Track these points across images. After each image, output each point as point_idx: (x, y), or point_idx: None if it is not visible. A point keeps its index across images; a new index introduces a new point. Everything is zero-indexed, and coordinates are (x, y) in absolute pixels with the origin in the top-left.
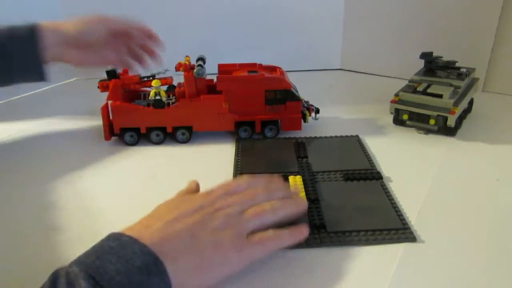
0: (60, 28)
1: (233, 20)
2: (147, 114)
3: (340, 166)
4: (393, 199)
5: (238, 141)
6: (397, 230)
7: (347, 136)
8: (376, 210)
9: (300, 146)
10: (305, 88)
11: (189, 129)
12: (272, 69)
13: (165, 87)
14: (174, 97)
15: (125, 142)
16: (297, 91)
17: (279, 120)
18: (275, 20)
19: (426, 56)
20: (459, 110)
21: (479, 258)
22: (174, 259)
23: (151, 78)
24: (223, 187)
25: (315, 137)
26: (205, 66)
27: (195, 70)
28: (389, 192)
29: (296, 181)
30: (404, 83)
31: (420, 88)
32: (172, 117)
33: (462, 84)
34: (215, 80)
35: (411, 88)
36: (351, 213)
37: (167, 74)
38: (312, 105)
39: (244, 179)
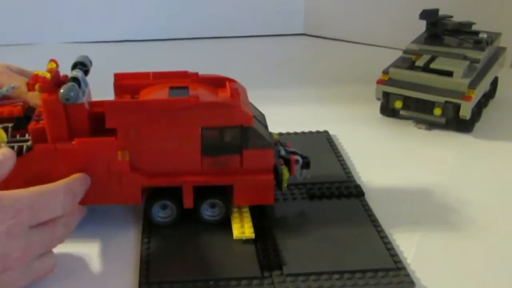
0: None
1: None
2: None
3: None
4: (380, 226)
5: (149, 228)
6: (387, 271)
7: (311, 133)
8: (356, 242)
9: None
10: (255, 63)
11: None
12: (218, 83)
13: (9, 122)
14: (29, 140)
15: None
16: (265, 125)
17: (231, 187)
18: None
19: (429, 16)
20: (477, 95)
21: None
22: None
23: None
24: None
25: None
26: (86, 79)
27: (62, 91)
28: (373, 215)
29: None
30: (397, 54)
31: (420, 63)
32: (21, 180)
33: (482, 56)
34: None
35: (407, 62)
36: (319, 247)
37: (12, 96)
38: (295, 152)
39: None
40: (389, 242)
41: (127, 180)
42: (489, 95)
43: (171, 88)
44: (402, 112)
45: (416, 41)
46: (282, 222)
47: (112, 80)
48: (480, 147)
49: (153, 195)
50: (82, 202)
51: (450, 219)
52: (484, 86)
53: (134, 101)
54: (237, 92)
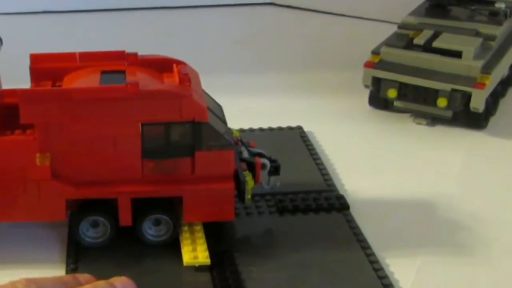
0: None
1: None
2: None
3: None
4: (369, 248)
5: (76, 251)
6: None
7: (281, 129)
8: (340, 269)
9: None
10: (209, 40)
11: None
12: (163, 66)
13: None
14: None
15: None
16: (223, 120)
17: (180, 198)
18: None
19: None
20: (492, 82)
21: None
22: None
23: None
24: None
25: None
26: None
27: None
28: (361, 234)
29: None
30: (390, 30)
31: (419, 40)
32: None
33: (499, 32)
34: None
35: (403, 39)
36: (292, 276)
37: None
38: (262, 154)
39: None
40: (381, 269)
41: (48, 190)
42: (507, 82)
43: (103, 72)
44: (396, 104)
45: (414, 13)
46: (245, 244)
47: (28, 62)
48: (496, 148)
49: (80, 209)
50: None
51: (457, 240)
52: (501, 70)
53: (56, 89)
54: (188, 77)
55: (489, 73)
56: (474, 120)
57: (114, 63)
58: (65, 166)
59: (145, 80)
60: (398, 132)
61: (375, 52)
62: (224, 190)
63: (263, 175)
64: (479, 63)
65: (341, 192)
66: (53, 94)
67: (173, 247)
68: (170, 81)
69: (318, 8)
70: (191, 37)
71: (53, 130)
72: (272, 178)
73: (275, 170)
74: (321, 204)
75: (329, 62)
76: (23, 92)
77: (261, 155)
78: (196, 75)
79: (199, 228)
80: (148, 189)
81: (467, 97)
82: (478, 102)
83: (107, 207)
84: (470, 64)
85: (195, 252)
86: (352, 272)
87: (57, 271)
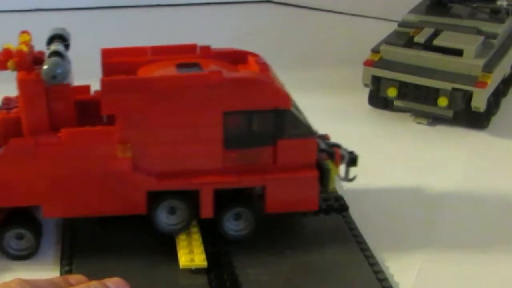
0: None
1: None
2: None
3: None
4: (368, 250)
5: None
6: None
7: None
8: (339, 272)
9: None
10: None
11: (32, 217)
12: (237, 59)
13: None
14: None
15: None
16: (300, 111)
17: (262, 189)
18: None
19: None
20: (494, 80)
21: None
22: None
23: None
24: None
25: None
26: (68, 53)
27: (46, 67)
28: (360, 236)
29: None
30: (390, 28)
31: (420, 38)
32: None
33: (500, 30)
34: (95, 89)
35: (403, 37)
36: (290, 279)
37: None
38: (337, 146)
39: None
40: (381, 271)
41: (128, 183)
42: (509, 81)
43: (178, 65)
44: (397, 103)
45: (415, 11)
46: (243, 246)
47: (97, 57)
48: (497, 147)
49: (159, 199)
50: (71, 214)
51: (458, 241)
52: (503, 69)
53: (138, 78)
54: (267, 67)
55: (490, 72)
56: (475, 120)
57: (186, 56)
58: (145, 158)
59: (222, 69)
60: (398, 132)
61: (375, 51)
62: (308, 178)
63: (341, 166)
64: (480, 62)
65: (340, 193)
66: (135, 84)
67: (169, 250)
68: (250, 69)
69: (316, 5)
70: (188, 35)
71: (134, 120)
72: (348, 170)
73: (352, 161)
74: (320, 205)
75: (328, 60)
76: (105, 82)
77: (338, 146)
78: (271, 69)
79: (195, 230)
80: (230, 179)
81: (468, 96)
82: (479, 101)
83: (186, 197)
84: (471, 62)
85: (191, 254)
86: (351, 274)
87: (52, 273)
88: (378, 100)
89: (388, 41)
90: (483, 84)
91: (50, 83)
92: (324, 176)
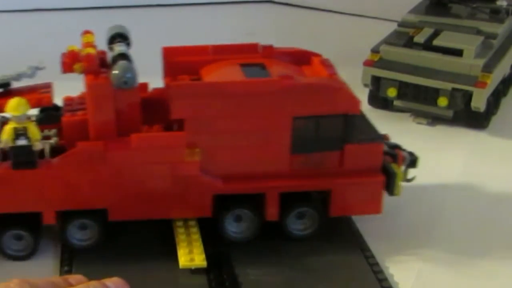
0: None
1: None
2: None
3: None
4: (368, 250)
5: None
6: None
7: None
8: (338, 271)
9: None
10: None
11: (98, 218)
12: (300, 59)
13: (35, 113)
14: (55, 138)
15: None
16: (362, 113)
17: (328, 193)
18: None
19: None
20: (494, 80)
21: None
22: None
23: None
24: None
25: None
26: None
27: (116, 72)
28: (360, 236)
29: (190, 232)
30: (390, 28)
31: (419, 38)
32: (55, 190)
33: (500, 30)
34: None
35: (403, 37)
36: (289, 278)
37: (40, 80)
38: (398, 146)
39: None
40: (381, 271)
41: (196, 186)
42: (509, 81)
43: (242, 65)
44: (396, 103)
45: (415, 11)
46: (242, 247)
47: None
48: (497, 147)
49: (225, 203)
50: (136, 217)
51: (458, 242)
52: (502, 69)
53: (210, 83)
54: (335, 70)
55: (490, 72)
56: (475, 120)
57: (248, 56)
58: (213, 162)
59: (290, 73)
60: (398, 132)
61: (375, 51)
62: (374, 183)
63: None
64: (480, 62)
65: None
66: (206, 88)
67: (169, 249)
68: (313, 74)
69: (316, 5)
70: (188, 35)
71: (203, 124)
72: (407, 171)
73: (412, 163)
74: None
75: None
76: (175, 86)
77: (398, 147)
78: (335, 69)
79: (195, 230)
80: (296, 183)
81: (468, 96)
82: (479, 102)
83: (253, 201)
84: (471, 62)
85: (191, 254)
86: (351, 274)
87: (51, 273)
88: (378, 100)
89: (388, 41)
90: (483, 84)
91: (120, 88)
92: (390, 181)
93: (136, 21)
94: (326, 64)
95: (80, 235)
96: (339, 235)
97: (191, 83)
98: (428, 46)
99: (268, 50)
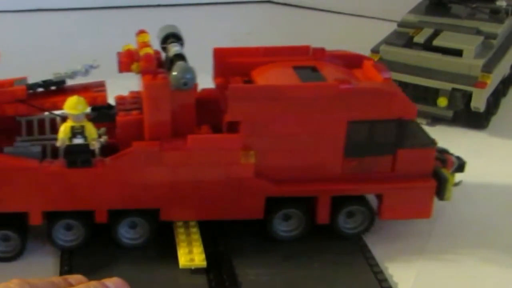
0: None
1: None
2: (46, 182)
3: None
4: (369, 251)
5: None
6: None
7: None
8: (338, 272)
9: None
10: (203, 39)
11: (149, 217)
12: (352, 61)
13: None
14: (105, 136)
15: None
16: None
17: (380, 196)
18: None
19: None
20: (493, 81)
21: None
22: None
23: (53, 88)
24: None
25: None
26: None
27: (176, 73)
28: (361, 237)
29: (190, 231)
30: (390, 28)
31: (419, 39)
32: (109, 189)
33: (500, 30)
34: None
35: (403, 37)
36: (289, 278)
37: (95, 79)
38: (445, 151)
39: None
40: (381, 272)
41: (249, 188)
42: (509, 81)
43: (295, 68)
44: None
45: (414, 11)
46: (243, 246)
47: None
48: (497, 148)
49: (275, 205)
50: (188, 218)
51: (458, 242)
52: (502, 69)
53: (268, 86)
54: (388, 73)
55: (490, 72)
56: (475, 120)
57: (300, 59)
58: (266, 164)
59: (343, 77)
60: None
61: (375, 51)
62: (426, 188)
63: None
64: (480, 62)
65: None
66: (264, 92)
67: (168, 249)
68: (365, 78)
69: (316, 6)
70: (187, 35)
71: (259, 127)
72: (454, 175)
73: (460, 167)
74: None
75: None
76: (233, 88)
77: (446, 152)
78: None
79: (195, 230)
80: (349, 187)
81: (468, 96)
82: (479, 102)
83: (303, 204)
84: (471, 63)
85: (191, 254)
86: (351, 274)
87: (51, 273)
88: None
89: (388, 41)
90: (482, 84)
91: (180, 89)
92: (441, 186)
93: (136, 21)
94: (380, 68)
95: (130, 234)
96: (341, 237)
97: (248, 86)
98: (428, 46)
99: (319, 53)
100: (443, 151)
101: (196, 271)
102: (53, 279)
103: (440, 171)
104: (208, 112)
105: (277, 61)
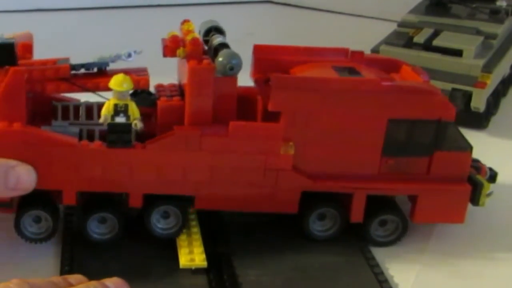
0: None
1: None
2: (84, 160)
3: None
4: (369, 251)
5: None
6: None
7: None
8: (339, 272)
9: None
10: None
11: (183, 205)
12: (389, 66)
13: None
14: (140, 124)
15: (23, 235)
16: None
17: (415, 198)
18: None
19: None
20: (493, 81)
21: None
22: None
23: (96, 70)
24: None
25: None
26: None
27: (221, 59)
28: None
29: (191, 233)
30: (390, 28)
31: (419, 39)
32: (146, 172)
33: (500, 30)
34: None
35: (403, 37)
36: (290, 279)
37: (138, 65)
38: (477, 160)
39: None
40: (381, 272)
41: (286, 181)
42: (508, 81)
43: (334, 68)
44: None
45: (414, 11)
46: (243, 247)
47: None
48: (497, 148)
49: (310, 200)
50: (223, 207)
51: (458, 243)
52: (502, 69)
53: (312, 78)
54: (427, 77)
55: (490, 72)
56: (475, 120)
57: (338, 60)
58: (304, 157)
59: (384, 77)
60: None
61: (375, 51)
62: (461, 192)
63: None
64: (480, 62)
65: None
66: (308, 83)
67: (169, 249)
68: (406, 79)
69: (316, 5)
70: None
71: (300, 119)
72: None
73: (492, 178)
74: None
75: None
76: (277, 78)
77: (477, 161)
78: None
79: (196, 230)
80: (385, 186)
81: (468, 96)
82: (479, 102)
83: (337, 200)
84: (470, 63)
85: (192, 254)
86: (351, 275)
87: (51, 273)
88: None
89: (388, 41)
90: (482, 84)
91: (225, 75)
92: (476, 191)
93: (136, 21)
94: (418, 71)
95: (162, 224)
96: (341, 238)
97: (292, 76)
98: (428, 46)
99: (358, 56)
100: (476, 160)
101: (197, 271)
102: (53, 279)
103: (476, 176)
104: (241, 110)
105: (316, 61)
